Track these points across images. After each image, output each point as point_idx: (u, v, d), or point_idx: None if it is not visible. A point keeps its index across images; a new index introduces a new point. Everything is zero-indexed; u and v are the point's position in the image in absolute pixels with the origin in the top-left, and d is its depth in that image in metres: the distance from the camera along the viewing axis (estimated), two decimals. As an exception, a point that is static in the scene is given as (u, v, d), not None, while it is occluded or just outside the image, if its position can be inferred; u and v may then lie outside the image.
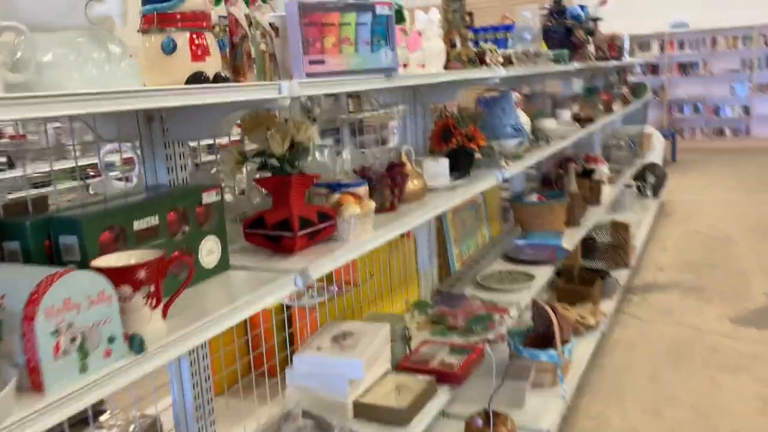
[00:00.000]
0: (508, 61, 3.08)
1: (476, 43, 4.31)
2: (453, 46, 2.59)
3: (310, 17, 1.70)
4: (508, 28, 4.21)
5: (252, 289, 1.44)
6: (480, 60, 2.79)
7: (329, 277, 2.46)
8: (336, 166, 2.56)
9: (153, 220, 1.38)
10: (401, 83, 1.95)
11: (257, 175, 1.76)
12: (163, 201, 1.44)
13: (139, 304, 1.18)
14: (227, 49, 1.53)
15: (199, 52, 1.37)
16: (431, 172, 2.49)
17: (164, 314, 1.24)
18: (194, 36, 1.37)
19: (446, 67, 2.57)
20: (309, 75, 1.69)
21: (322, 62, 1.71)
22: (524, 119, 3.11)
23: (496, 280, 3.14)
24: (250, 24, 1.71)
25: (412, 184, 2.30)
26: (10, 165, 5.54)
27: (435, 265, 3.07)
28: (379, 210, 2.14)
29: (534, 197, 3.97)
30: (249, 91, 1.40)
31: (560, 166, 4.87)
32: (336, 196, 1.86)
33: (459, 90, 2.83)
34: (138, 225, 1.34)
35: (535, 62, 3.43)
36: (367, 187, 2.01)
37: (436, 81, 2.16)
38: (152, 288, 1.20)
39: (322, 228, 1.72)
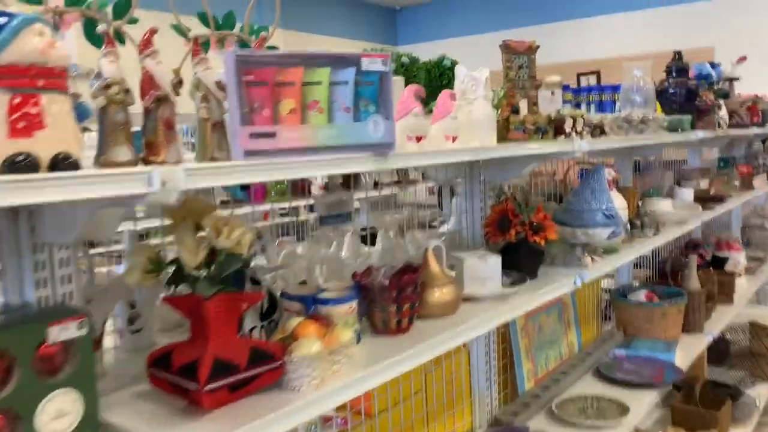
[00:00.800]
0: (599, 130, 2.44)
1: (578, 106, 3.68)
2: (515, 111, 2.01)
3: (257, 73, 1.20)
4: (615, 89, 3.55)
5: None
6: (557, 129, 2.17)
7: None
8: (358, 260, 2.03)
9: (-59, 375, 0.90)
10: (403, 164, 1.40)
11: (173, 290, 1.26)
12: (-24, 341, 0.96)
13: None
14: (96, 116, 1.07)
15: (22, 125, 0.90)
16: (475, 274, 1.89)
17: None
18: (18, 100, 0.91)
19: (504, 138, 1.99)
20: (249, 153, 1.18)
21: (270, 135, 1.20)
22: (620, 203, 2.44)
23: (577, 411, 2.42)
24: (179, 83, 1.25)
25: (439, 293, 1.71)
26: None
27: (496, 384, 2.42)
28: (382, 331, 1.57)
29: (642, 295, 3.21)
30: (96, 184, 0.91)
31: (684, 253, 4.04)
32: (295, 321, 1.32)
33: (530, 165, 2.22)
34: None
35: (641, 131, 2.75)
36: (355, 304, 1.46)
37: (461, 159, 1.59)
38: None
39: (250, 377, 1.17)
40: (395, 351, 1.47)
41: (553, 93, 3.09)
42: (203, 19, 1.68)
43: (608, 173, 2.45)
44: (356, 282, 1.57)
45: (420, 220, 3.15)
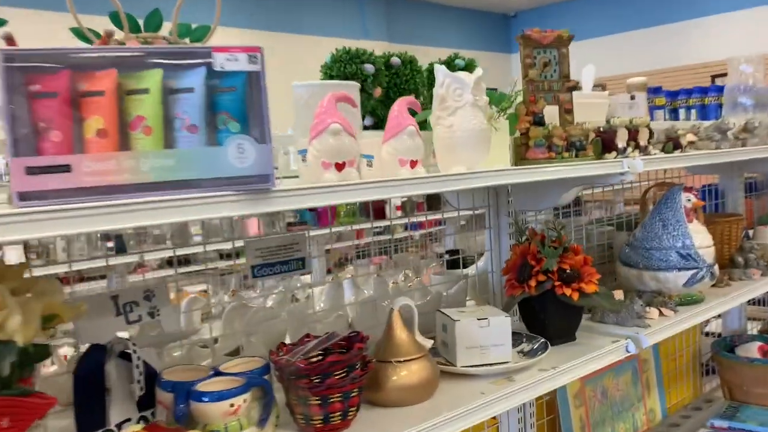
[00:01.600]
0: (674, 143, 1.86)
1: (674, 112, 3.04)
2: (538, 123, 1.51)
3: (44, 80, 0.83)
4: (721, 90, 2.89)
5: None
6: (605, 145, 1.65)
7: None
8: (333, 315, 1.61)
9: None
10: (295, 204, 0.97)
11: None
12: None
13: None
14: None
15: None
16: (472, 341, 1.42)
17: None
18: None
19: (522, 158, 1.51)
20: (26, 197, 0.81)
21: (62, 169, 0.83)
22: (702, 239, 1.85)
23: None
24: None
25: (406, 372, 1.26)
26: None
27: (535, 468, 1.90)
28: (306, 430, 1.15)
29: (754, 348, 2.53)
30: None
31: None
32: (130, 430, 0.92)
33: (571, 190, 1.71)
34: None
35: (743, 141, 2.13)
36: (242, 401, 1.04)
37: (400, 194, 1.12)
38: None
39: None
40: (309, 464, 1.04)
41: (633, 97, 2.53)
42: (115, 19, 1.35)
43: (686, 199, 1.87)
44: (270, 361, 1.16)
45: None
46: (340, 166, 1.06)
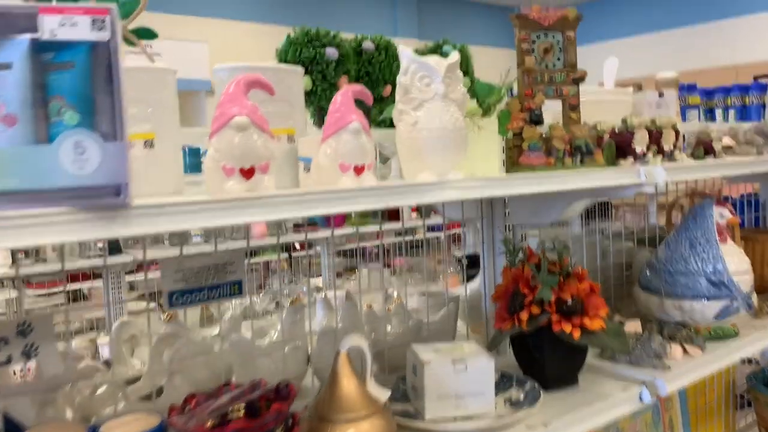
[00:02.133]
0: (705, 148, 1.57)
1: (710, 113, 2.73)
2: (534, 121, 1.24)
3: None
4: (764, 88, 2.57)
5: None
6: (620, 149, 1.37)
7: None
8: (287, 348, 1.35)
9: None
10: (151, 227, 0.70)
11: None
12: None
13: None
14: None
15: None
16: (444, 388, 1.15)
17: None
18: None
19: (515, 163, 1.23)
20: None
21: None
22: (737, 263, 1.55)
23: None
24: None
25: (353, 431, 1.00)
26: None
27: None
28: None
29: (796, 383, 2.21)
30: None
31: None
32: None
33: (577, 202, 1.43)
34: None
35: (789, 147, 1.82)
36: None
37: (317, 212, 0.85)
38: None
39: None
40: None
41: (661, 94, 2.23)
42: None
43: (720, 214, 1.57)
44: (171, 422, 0.90)
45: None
46: (247, 173, 0.80)
